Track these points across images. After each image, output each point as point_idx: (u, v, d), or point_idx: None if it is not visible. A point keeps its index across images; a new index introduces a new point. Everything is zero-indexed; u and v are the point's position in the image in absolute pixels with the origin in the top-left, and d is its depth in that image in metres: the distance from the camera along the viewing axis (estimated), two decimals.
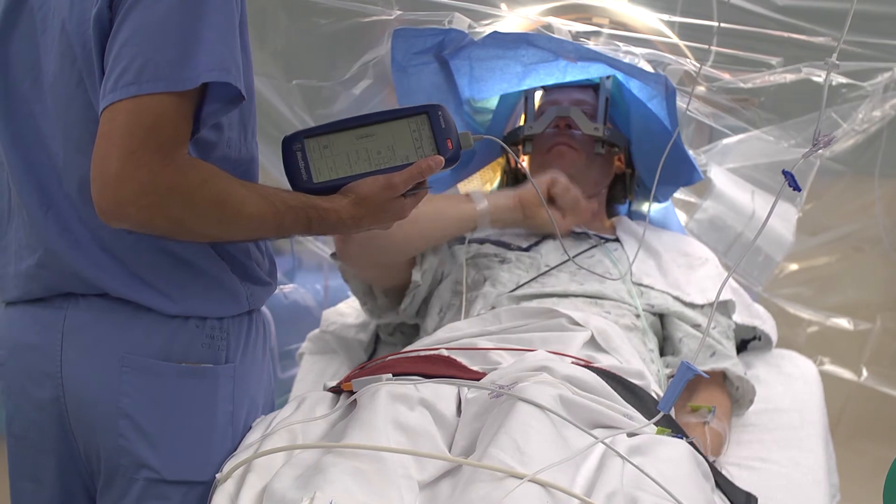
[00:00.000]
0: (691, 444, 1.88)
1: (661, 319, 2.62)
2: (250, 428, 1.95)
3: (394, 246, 2.52)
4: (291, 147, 1.86)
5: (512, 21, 3.05)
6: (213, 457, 1.88)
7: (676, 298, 2.63)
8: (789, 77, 2.96)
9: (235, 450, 1.89)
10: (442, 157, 1.92)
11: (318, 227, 1.85)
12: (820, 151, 1.83)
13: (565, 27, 2.89)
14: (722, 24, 2.94)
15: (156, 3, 1.65)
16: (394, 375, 1.96)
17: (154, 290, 1.83)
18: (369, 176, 1.87)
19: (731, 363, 2.56)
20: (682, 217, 3.21)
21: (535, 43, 2.71)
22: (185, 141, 1.69)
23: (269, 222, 1.78)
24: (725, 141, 3.15)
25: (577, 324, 2.33)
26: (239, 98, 1.74)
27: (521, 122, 2.92)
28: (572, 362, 2.09)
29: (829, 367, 3.38)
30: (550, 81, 2.84)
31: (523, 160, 2.95)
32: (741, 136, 3.12)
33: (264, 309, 2.06)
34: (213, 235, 1.79)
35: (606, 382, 2.00)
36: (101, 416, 1.83)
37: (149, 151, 1.63)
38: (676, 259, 2.77)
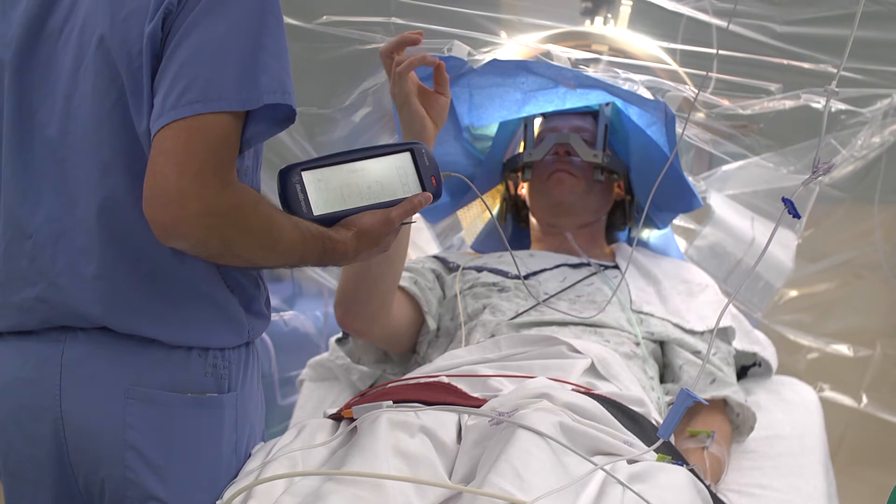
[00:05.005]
0: (691, 471, 1.88)
1: (662, 346, 2.62)
2: (250, 455, 1.95)
3: (383, 277, 2.51)
4: (290, 179, 1.87)
5: (511, 49, 3.06)
6: (219, 486, 1.87)
7: (676, 325, 2.63)
8: (788, 103, 2.97)
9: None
10: (430, 194, 1.96)
11: (328, 258, 1.86)
12: (819, 178, 1.83)
13: (564, 54, 2.90)
14: (721, 52, 2.95)
15: (216, 23, 1.67)
16: (394, 402, 1.96)
17: (159, 322, 1.82)
18: (361, 210, 1.89)
19: (732, 390, 2.56)
20: (681, 244, 3.21)
21: (534, 70, 2.71)
22: (235, 162, 1.71)
23: (298, 250, 1.80)
24: (725, 167, 3.15)
25: (577, 351, 2.33)
26: (290, 119, 1.76)
27: (521, 149, 2.92)
28: (572, 389, 2.09)
29: (829, 394, 3.38)
30: (550, 108, 2.84)
31: (522, 188, 2.96)
32: (740, 162, 3.12)
33: (264, 335, 2.06)
34: (251, 260, 1.79)
35: (606, 409, 1.99)
36: (106, 449, 1.82)
37: (211, 171, 1.65)
38: (676, 286, 2.77)
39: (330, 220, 1.87)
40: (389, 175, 1.95)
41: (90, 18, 1.78)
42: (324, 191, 1.89)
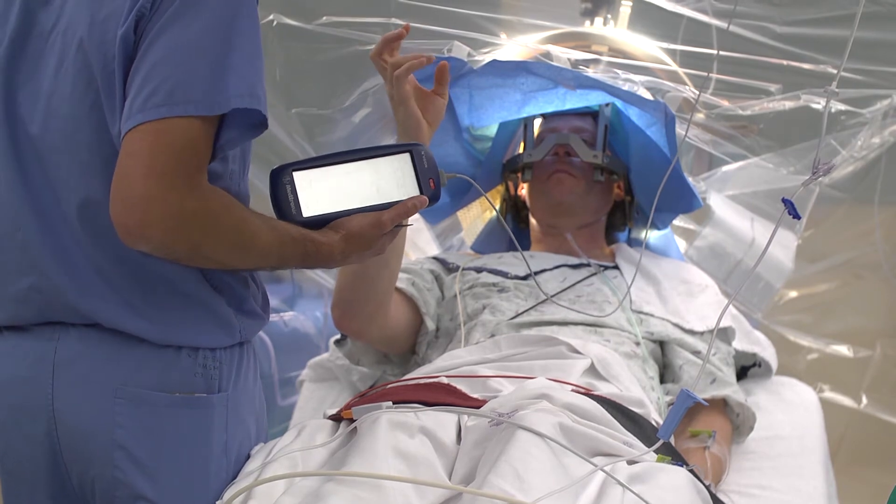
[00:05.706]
0: (691, 471, 1.88)
1: (662, 347, 2.62)
2: (247, 457, 1.95)
3: (379, 278, 2.50)
4: (281, 180, 1.86)
5: (511, 49, 3.06)
6: (209, 487, 1.87)
7: (676, 325, 2.63)
8: (788, 104, 2.97)
9: (229, 479, 1.89)
10: (426, 197, 1.95)
11: (311, 260, 1.86)
12: (819, 179, 1.83)
13: (564, 55, 2.90)
14: (721, 53, 2.95)
15: (188, 26, 1.67)
16: (394, 403, 1.96)
17: (147, 320, 1.82)
18: (353, 213, 1.88)
19: (732, 390, 2.56)
20: (681, 244, 3.20)
21: (534, 71, 2.71)
22: (206, 166, 1.70)
23: (274, 252, 1.79)
24: (725, 168, 3.15)
25: (577, 351, 2.33)
26: (262, 125, 1.75)
27: (521, 150, 2.92)
28: (572, 390, 2.09)
29: (829, 394, 3.37)
30: (550, 109, 2.84)
31: (522, 188, 2.96)
32: (740, 163, 3.12)
33: (264, 336, 2.06)
34: (224, 262, 1.79)
35: (606, 410, 1.99)
36: (95, 449, 1.82)
37: (176, 174, 1.64)
38: (676, 286, 2.77)
39: (320, 223, 1.86)
40: (386, 177, 1.94)
41: (73, 20, 1.78)
42: (315, 192, 1.87)
